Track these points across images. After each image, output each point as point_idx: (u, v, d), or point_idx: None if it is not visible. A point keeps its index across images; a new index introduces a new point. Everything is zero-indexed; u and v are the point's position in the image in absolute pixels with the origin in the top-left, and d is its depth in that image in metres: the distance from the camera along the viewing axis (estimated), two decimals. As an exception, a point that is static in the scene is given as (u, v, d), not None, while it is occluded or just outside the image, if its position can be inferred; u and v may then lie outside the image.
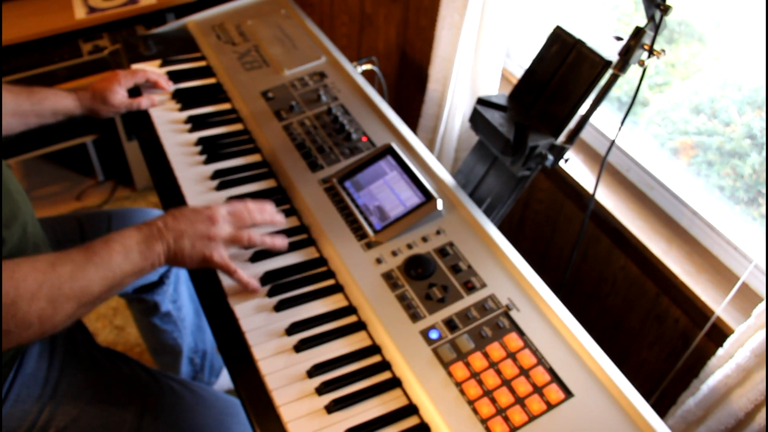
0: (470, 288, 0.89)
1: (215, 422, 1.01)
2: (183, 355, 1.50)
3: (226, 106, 1.26)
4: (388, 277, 0.92)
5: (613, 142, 1.13)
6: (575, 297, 1.58)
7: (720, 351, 1.07)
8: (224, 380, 1.68)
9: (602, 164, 1.16)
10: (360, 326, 0.89)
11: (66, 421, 0.92)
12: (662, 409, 1.15)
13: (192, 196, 1.06)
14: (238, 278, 0.90)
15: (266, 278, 0.94)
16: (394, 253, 0.95)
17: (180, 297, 1.45)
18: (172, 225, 0.86)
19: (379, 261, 0.94)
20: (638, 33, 0.98)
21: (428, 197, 0.99)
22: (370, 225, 0.98)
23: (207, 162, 1.12)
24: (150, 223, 0.86)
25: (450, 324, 0.86)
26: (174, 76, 1.29)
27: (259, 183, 1.10)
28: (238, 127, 1.21)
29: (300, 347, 0.85)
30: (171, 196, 1.07)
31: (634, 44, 0.98)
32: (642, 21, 1.00)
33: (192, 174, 1.10)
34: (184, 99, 1.25)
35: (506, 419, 0.76)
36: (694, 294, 1.21)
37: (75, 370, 0.98)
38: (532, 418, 0.77)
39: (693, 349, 1.24)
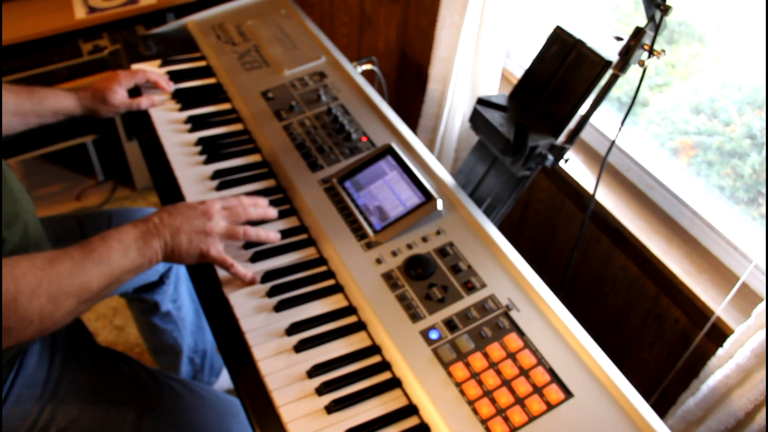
0: (470, 288, 0.89)
1: (215, 422, 1.01)
2: (183, 354, 1.51)
3: (226, 106, 1.26)
4: (388, 277, 0.92)
5: (613, 142, 1.13)
6: (575, 297, 1.58)
7: (720, 351, 1.07)
8: (224, 380, 1.68)
9: (602, 164, 1.16)
10: (360, 326, 0.89)
11: (66, 421, 0.92)
12: (662, 409, 1.15)
13: (192, 196, 1.06)
14: (235, 272, 0.90)
15: (266, 278, 0.94)
16: (394, 253, 0.95)
17: (180, 297, 1.45)
18: (168, 221, 0.87)
19: (379, 261, 0.94)
20: (638, 33, 0.98)
21: (428, 197, 0.99)
22: (370, 225, 0.99)
23: (207, 162, 1.12)
24: (146, 220, 0.87)
25: (450, 324, 0.86)
26: (174, 76, 1.29)
27: (259, 183, 1.10)
28: (238, 127, 1.21)
29: (300, 347, 0.85)
30: (171, 196, 1.07)
31: (634, 44, 0.98)
32: (642, 21, 1.00)
33: (192, 174, 1.10)
34: (184, 99, 1.25)
35: (506, 419, 0.76)
36: (694, 294, 1.21)
37: (75, 370, 0.98)
38: (532, 419, 0.77)
39: (693, 349, 1.24)
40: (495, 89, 1.60)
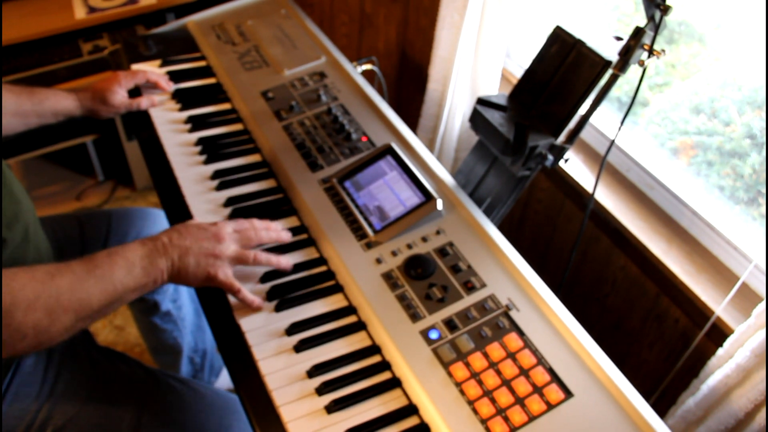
0: (470, 288, 0.89)
1: (215, 420, 1.01)
2: (183, 354, 1.51)
3: (226, 106, 1.26)
4: (388, 277, 0.92)
5: (613, 142, 1.13)
6: (575, 297, 1.58)
7: (720, 351, 1.07)
8: (224, 380, 1.68)
9: (602, 164, 1.16)
10: (360, 326, 0.89)
11: (64, 420, 0.92)
12: (662, 409, 1.15)
13: (192, 196, 1.06)
14: (242, 297, 0.88)
15: (266, 278, 0.94)
16: (394, 253, 0.95)
17: (180, 296, 1.45)
18: (177, 241, 0.85)
19: (379, 261, 0.94)
20: (638, 33, 0.98)
21: (428, 197, 0.99)
22: (370, 225, 0.99)
23: (207, 162, 1.12)
24: (155, 238, 0.85)
25: (450, 324, 0.86)
26: (174, 76, 1.29)
27: (259, 183, 1.10)
28: (238, 127, 1.21)
29: (300, 347, 0.85)
30: (171, 196, 1.07)
31: (634, 44, 0.98)
32: (642, 21, 1.00)
33: (192, 174, 1.10)
34: (184, 99, 1.25)
35: (506, 419, 0.76)
36: (694, 294, 1.21)
37: (73, 369, 0.98)
38: (532, 418, 0.77)
39: (693, 349, 1.24)
40: (495, 89, 1.60)
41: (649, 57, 1.00)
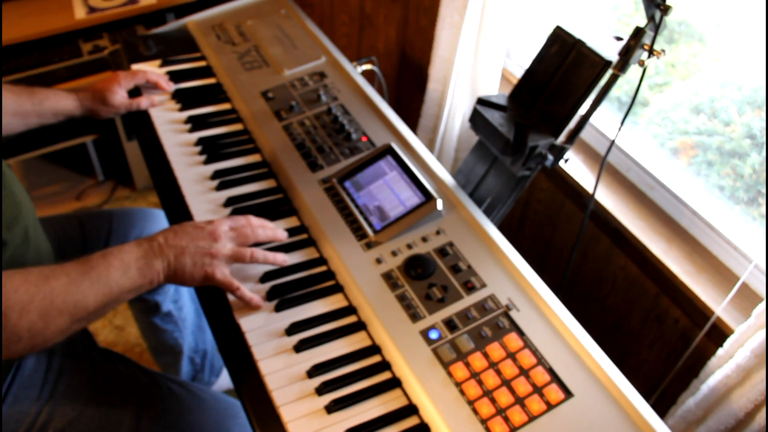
0: (470, 288, 0.89)
1: (214, 424, 1.01)
2: (183, 354, 1.51)
3: (226, 106, 1.26)
4: (388, 277, 0.92)
5: (613, 142, 1.13)
6: (575, 297, 1.58)
7: (720, 351, 1.07)
8: (224, 380, 1.68)
9: (602, 164, 1.16)
10: (360, 326, 0.89)
11: (64, 422, 0.92)
12: (662, 409, 1.15)
13: (192, 197, 1.06)
14: (240, 295, 0.88)
15: (266, 278, 0.94)
16: (394, 253, 0.95)
17: (181, 297, 1.45)
18: (173, 241, 0.85)
19: (379, 261, 0.94)
20: (638, 33, 0.98)
21: (428, 197, 0.99)
22: (370, 225, 0.99)
23: (207, 162, 1.12)
24: (150, 239, 0.85)
25: (450, 324, 0.86)
26: (174, 76, 1.29)
27: (259, 183, 1.10)
28: (238, 127, 1.21)
29: (300, 347, 0.85)
30: (171, 196, 1.07)
31: (634, 44, 0.98)
32: (642, 21, 1.00)
33: (192, 174, 1.10)
34: (184, 99, 1.25)
35: (506, 419, 0.76)
36: (694, 294, 1.21)
37: (73, 371, 0.98)
38: (532, 419, 0.77)
39: (693, 349, 1.24)
40: (495, 89, 1.60)
41: (649, 57, 1.00)
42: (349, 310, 0.91)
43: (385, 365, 0.84)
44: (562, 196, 1.55)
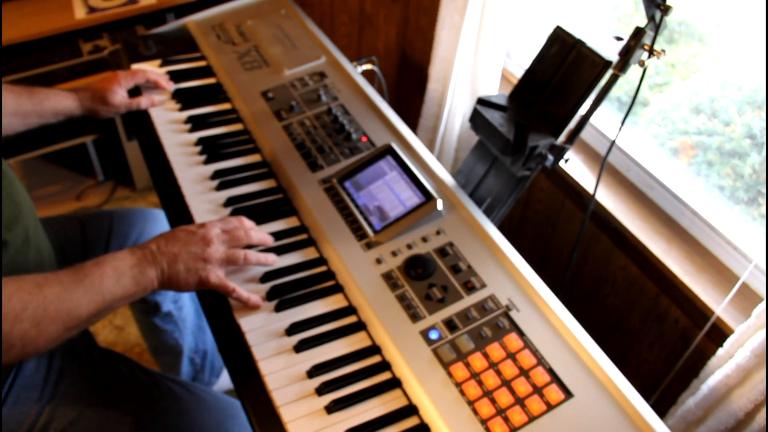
0: (470, 288, 0.89)
1: (215, 424, 1.01)
2: (183, 355, 1.50)
3: (226, 106, 1.26)
4: (388, 277, 0.92)
5: (613, 142, 1.13)
6: (575, 297, 1.58)
7: (720, 351, 1.07)
8: (225, 380, 1.68)
9: (602, 164, 1.16)
10: (360, 326, 0.89)
11: (65, 423, 0.92)
12: (662, 409, 1.15)
13: (192, 197, 1.06)
14: (237, 297, 0.88)
15: (266, 278, 0.94)
16: (394, 254, 0.95)
17: (181, 297, 1.45)
18: (165, 248, 0.85)
19: (379, 261, 0.94)
20: (638, 33, 0.98)
21: (428, 197, 0.99)
22: (370, 225, 0.99)
23: (207, 162, 1.12)
24: (143, 246, 0.85)
25: (450, 324, 0.86)
26: (174, 76, 1.29)
27: (259, 183, 1.10)
28: (238, 127, 1.21)
29: (300, 347, 0.85)
30: (171, 196, 1.07)
31: (634, 44, 0.98)
32: (642, 21, 1.00)
33: (192, 174, 1.10)
34: (184, 99, 1.25)
35: (506, 420, 0.76)
36: (694, 294, 1.21)
37: (74, 372, 0.98)
38: (532, 419, 0.77)
39: (693, 349, 1.24)
40: (495, 89, 1.60)
41: (649, 57, 1.00)
42: (349, 310, 0.91)
43: (385, 365, 0.84)
44: (562, 196, 1.55)
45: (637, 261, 1.35)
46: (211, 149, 1.14)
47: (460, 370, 0.81)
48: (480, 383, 0.80)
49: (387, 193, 1.02)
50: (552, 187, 1.57)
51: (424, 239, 0.96)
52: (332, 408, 0.79)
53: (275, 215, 1.04)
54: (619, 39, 1.02)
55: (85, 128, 2.07)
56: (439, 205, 0.98)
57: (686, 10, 1.31)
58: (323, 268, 0.96)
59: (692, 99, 1.35)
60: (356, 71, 1.28)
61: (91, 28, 1.93)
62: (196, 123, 1.19)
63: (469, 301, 0.88)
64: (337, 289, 0.93)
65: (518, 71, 1.70)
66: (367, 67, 1.45)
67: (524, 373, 0.80)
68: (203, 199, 1.06)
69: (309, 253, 0.99)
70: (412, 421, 0.79)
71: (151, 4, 1.92)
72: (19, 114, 1.08)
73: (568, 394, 0.78)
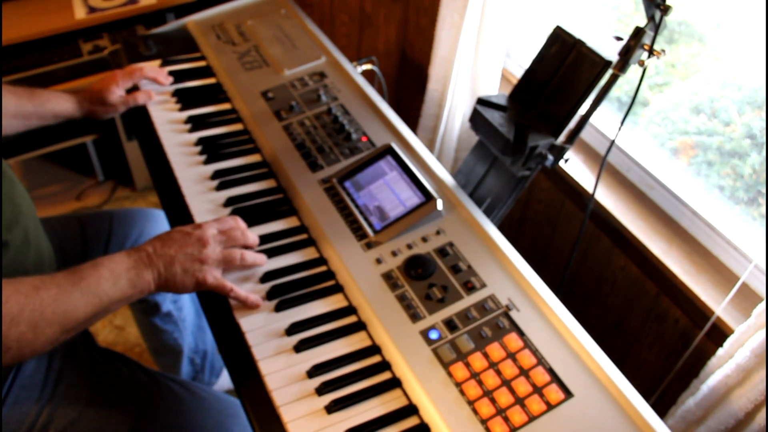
0: (470, 288, 0.89)
1: (215, 423, 1.01)
2: (183, 355, 1.51)
3: (226, 106, 1.26)
4: (388, 277, 0.92)
5: (613, 142, 1.13)
6: (575, 297, 1.58)
7: (720, 351, 1.07)
8: (225, 380, 1.68)
9: (602, 164, 1.16)
10: (360, 326, 0.89)
11: (65, 423, 0.92)
12: (662, 409, 1.15)
13: (192, 197, 1.06)
14: (235, 296, 0.88)
15: (266, 278, 0.94)
16: (394, 254, 0.95)
17: (181, 297, 1.45)
18: (161, 251, 0.85)
19: (379, 261, 0.94)
20: (638, 33, 0.98)
21: (428, 197, 0.99)
22: (370, 225, 0.99)
23: (207, 162, 1.12)
24: (140, 249, 0.85)
25: (450, 324, 0.86)
26: (174, 76, 1.29)
27: (259, 183, 1.10)
28: (238, 127, 1.21)
29: (300, 347, 0.85)
30: (171, 196, 1.07)
31: (634, 44, 0.98)
32: (642, 21, 1.00)
33: (192, 174, 1.10)
34: (184, 99, 1.25)
35: (506, 419, 0.76)
36: (694, 294, 1.21)
37: (74, 372, 0.98)
38: (532, 419, 0.77)
39: (693, 349, 1.24)
40: (495, 89, 1.60)
41: (649, 57, 1.00)
42: (349, 310, 0.91)
43: (385, 365, 0.84)
44: (562, 196, 1.55)
45: (637, 261, 1.35)
46: (211, 149, 1.14)
47: (460, 370, 0.81)
48: (480, 383, 0.80)
49: (387, 193, 1.02)
50: (552, 187, 1.57)
51: (424, 239, 0.96)
52: (332, 408, 0.79)
53: (275, 215, 1.04)
54: (619, 39, 1.02)
55: (85, 128, 2.07)
56: (439, 205, 0.98)
57: (686, 10, 1.32)
58: (323, 268, 0.96)
59: (692, 99, 1.35)
60: (356, 71, 1.28)
61: (91, 28, 1.93)
62: (196, 123, 1.19)
63: (469, 301, 0.88)
64: (337, 289, 0.93)
65: (518, 71, 1.70)
66: (367, 67, 1.45)
67: (524, 372, 0.80)
68: (203, 199, 1.06)
69: (309, 253, 0.99)
70: (412, 421, 0.79)
71: (151, 4, 1.92)
72: (19, 115, 1.09)
73: (568, 394, 0.78)
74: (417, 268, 0.92)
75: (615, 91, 1.40)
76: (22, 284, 0.73)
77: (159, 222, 1.35)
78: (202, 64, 1.35)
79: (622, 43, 1.00)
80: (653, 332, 1.37)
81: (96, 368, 1.00)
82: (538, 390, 0.79)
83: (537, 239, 1.70)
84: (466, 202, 1.01)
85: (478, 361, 0.81)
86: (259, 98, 1.23)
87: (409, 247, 0.96)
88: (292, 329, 0.87)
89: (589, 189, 1.41)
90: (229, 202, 1.05)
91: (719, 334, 1.16)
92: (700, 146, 1.33)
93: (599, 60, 1.00)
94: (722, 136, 1.28)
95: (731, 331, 1.12)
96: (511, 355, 0.82)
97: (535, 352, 0.82)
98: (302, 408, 0.79)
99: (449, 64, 1.58)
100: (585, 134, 1.53)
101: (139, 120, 1.22)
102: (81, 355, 1.01)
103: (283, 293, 0.92)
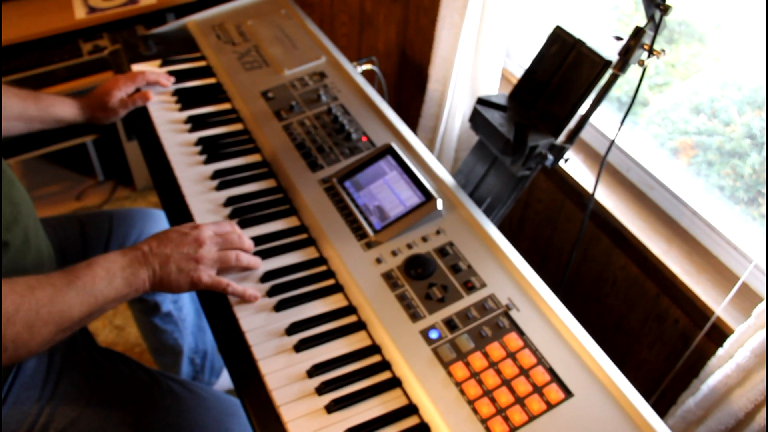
0: (470, 288, 0.89)
1: (215, 423, 1.01)
2: (183, 355, 1.51)
3: (226, 106, 1.26)
4: (388, 276, 0.92)
5: (613, 142, 1.13)
6: (575, 297, 1.58)
7: (720, 351, 1.07)
8: (225, 380, 1.68)
9: (602, 164, 1.16)
10: (360, 326, 0.89)
11: (65, 422, 0.92)
12: (662, 409, 1.15)
13: (192, 196, 1.06)
14: (232, 291, 0.88)
15: (266, 278, 0.94)
16: (394, 253, 0.95)
17: (181, 297, 1.45)
18: (157, 250, 0.85)
19: (379, 261, 0.94)
20: (638, 33, 0.98)
21: (428, 197, 0.99)
22: (370, 225, 0.99)
23: (207, 162, 1.12)
24: (135, 248, 0.85)
25: (450, 324, 0.86)
26: (174, 76, 1.29)
27: (259, 183, 1.10)
28: (238, 127, 1.21)
29: (300, 347, 0.85)
30: (171, 196, 1.07)
31: (634, 44, 0.98)
32: (642, 21, 1.00)
33: (192, 174, 1.10)
34: (184, 99, 1.25)
35: (506, 419, 0.76)
36: (694, 294, 1.21)
37: (74, 372, 0.98)
38: (531, 418, 0.77)
39: (693, 349, 1.24)
40: (495, 89, 1.60)
41: (649, 57, 1.00)
42: (349, 309, 0.91)
43: (385, 365, 0.84)
44: (562, 196, 1.55)
45: (637, 261, 1.35)
46: (211, 149, 1.14)
47: (460, 370, 0.81)
48: (480, 383, 0.80)
49: (387, 192, 1.02)
50: (552, 187, 1.57)
51: (424, 239, 0.96)
52: (332, 407, 0.79)
53: (275, 215, 1.04)
54: (619, 39, 1.02)
55: (85, 128, 2.07)
56: (439, 204, 0.98)
57: (686, 10, 1.32)
58: (323, 268, 0.96)
59: (692, 99, 1.35)
60: (356, 71, 1.28)
61: (91, 28, 1.93)
62: (196, 123, 1.20)
63: (469, 300, 0.88)
64: (337, 288, 0.93)
65: (518, 71, 1.70)
66: (367, 67, 1.45)
67: (524, 372, 0.80)
68: (203, 198, 1.06)
69: (309, 253, 0.99)
70: (412, 421, 0.79)
71: (151, 4, 1.92)
72: (22, 118, 1.09)
73: (568, 394, 0.78)
74: (417, 268, 0.92)
75: (615, 91, 1.40)
76: (18, 284, 0.73)
77: (159, 222, 1.35)
78: (202, 64, 1.35)
79: (622, 43, 1.00)
80: (653, 332, 1.37)
81: (96, 368, 1.00)
82: (538, 390, 0.79)
83: (537, 239, 1.70)
84: (466, 202, 1.01)
85: (478, 360, 0.81)
86: (259, 98, 1.23)
87: (409, 246, 0.96)
88: (292, 329, 0.87)
89: (589, 189, 1.41)
90: (229, 201, 1.05)
91: (719, 334, 1.16)
92: (700, 146, 1.33)
93: (599, 60, 1.00)
94: (722, 136, 1.28)
95: (731, 331, 1.12)
96: (511, 355, 0.82)
97: (535, 351, 0.82)
98: (302, 407, 0.79)
99: (449, 64, 1.58)
100: (585, 134, 1.53)
101: (139, 120, 1.22)
102: (81, 354, 1.01)
103: (283, 293, 0.92)
